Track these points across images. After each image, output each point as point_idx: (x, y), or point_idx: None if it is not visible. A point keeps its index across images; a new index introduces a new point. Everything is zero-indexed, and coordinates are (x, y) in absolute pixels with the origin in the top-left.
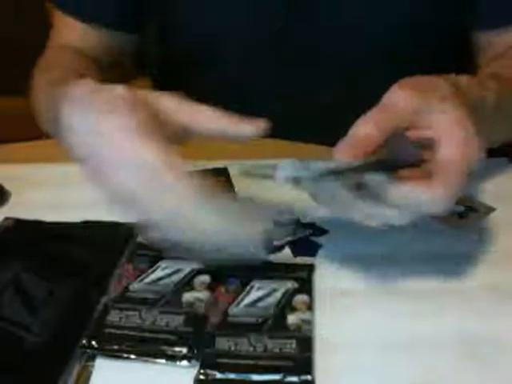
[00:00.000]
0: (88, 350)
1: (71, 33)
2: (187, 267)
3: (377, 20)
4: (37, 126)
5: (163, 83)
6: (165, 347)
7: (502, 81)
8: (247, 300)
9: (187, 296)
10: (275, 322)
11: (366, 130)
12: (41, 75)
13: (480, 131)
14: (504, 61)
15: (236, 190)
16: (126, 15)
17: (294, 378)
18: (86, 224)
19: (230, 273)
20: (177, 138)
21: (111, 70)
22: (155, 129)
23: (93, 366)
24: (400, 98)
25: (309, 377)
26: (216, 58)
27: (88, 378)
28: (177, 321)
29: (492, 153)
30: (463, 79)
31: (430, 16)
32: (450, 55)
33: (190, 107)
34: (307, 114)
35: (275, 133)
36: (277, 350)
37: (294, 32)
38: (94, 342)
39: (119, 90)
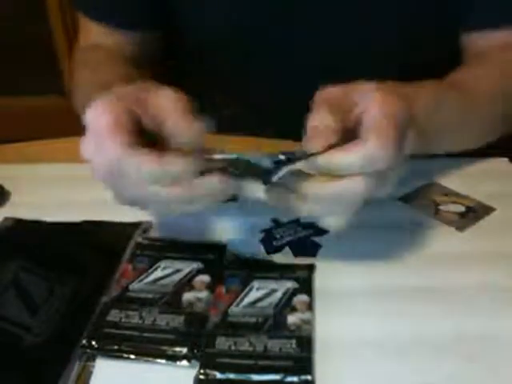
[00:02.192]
0: (88, 350)
1: (99, 35)
2: (187, 267)
3: (377, 21)
4: (37, 126)
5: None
6: (165, 347)
7: (462, 92)
8: (247, 300)
9: (187, 296)
10: (275, 322)
11: (324, 122)
12: (82, 72)
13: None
14: (475, 69)
15: None
16: (148, 16)
17: (294, 378)
18: (86, 224)
19: (230, 273)
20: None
21: (145, 63)
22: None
23: (93, 366)
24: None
25: (309, 377)
26: (217, 52)
27: (88, 378)
28: (177, 321)
29: (492, 153)
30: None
31: (431, 17)
32: (449, 57)
33: (181, 116)
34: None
35: (277, 125)
36: (277, 350)
37: (294, 30)
38: (93, 342)
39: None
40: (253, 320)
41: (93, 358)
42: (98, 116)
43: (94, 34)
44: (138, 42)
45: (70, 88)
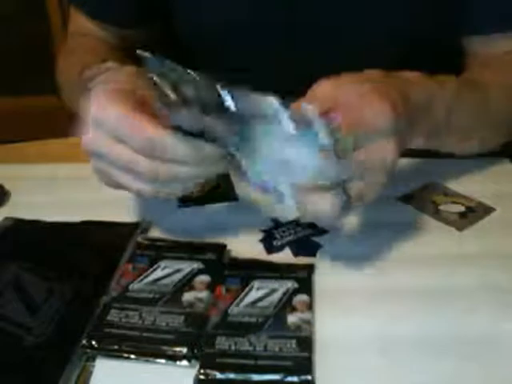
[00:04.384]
0: (88, 350)
1: (87, 25)
2: (187, 267)
3: (376, 23)
4: (37, 126)
5: None
6: (165, 347)
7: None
8: (247, 300)
9: (187, 296)
10: (275, 321)
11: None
12: (66, 58)
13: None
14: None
15: None
16: (136, 14)
17: (294, 378)
18: (86, 224)
19: (230, 273)
20: None
21: (126, 54)
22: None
23: (93, 366)
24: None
25: (309, 377)
26: (217, 50)
27: (88, 378)
28: (177, 321)
29: (492, 153)
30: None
31: (430, 24)
32: (450, 61)
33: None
34: None
35: None
36: (277, 350)
37: (296, 26)
38: (93, 342)
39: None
40: (253, 320)
41: (93, 358)
42: (107, 108)
43: (85, 26)
44: (131, 38)
45: (56, 78)
